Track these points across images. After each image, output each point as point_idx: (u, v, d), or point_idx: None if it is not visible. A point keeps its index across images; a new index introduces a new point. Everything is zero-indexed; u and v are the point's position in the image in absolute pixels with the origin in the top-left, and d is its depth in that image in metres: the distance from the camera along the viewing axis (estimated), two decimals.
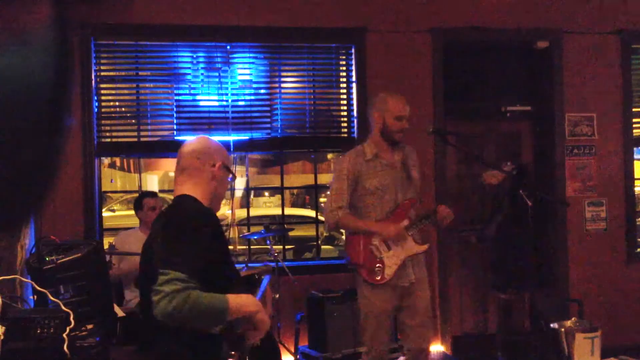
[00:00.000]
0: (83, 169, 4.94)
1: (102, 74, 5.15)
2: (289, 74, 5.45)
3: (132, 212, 5.06)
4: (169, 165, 10.90)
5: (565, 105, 5.58)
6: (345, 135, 5.46)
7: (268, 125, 5.31)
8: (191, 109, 5.24)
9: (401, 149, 3.82)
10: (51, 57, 0.86)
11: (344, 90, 5.45)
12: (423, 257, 3.83)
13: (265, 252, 6.02)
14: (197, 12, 5.09)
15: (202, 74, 5.23)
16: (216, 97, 5.24)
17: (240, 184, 6.79)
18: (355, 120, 5.34)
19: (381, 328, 3.69)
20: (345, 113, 5.45)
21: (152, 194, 5.00)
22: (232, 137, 5.18)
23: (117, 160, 12.11)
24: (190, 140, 2.53)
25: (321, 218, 6.54)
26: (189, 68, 5.24)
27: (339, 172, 3.76)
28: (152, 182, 12.27)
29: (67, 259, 3.05)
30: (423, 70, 5.37)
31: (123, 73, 5.25)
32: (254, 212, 8.97)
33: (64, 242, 3.27)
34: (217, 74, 5.21)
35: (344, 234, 4.14)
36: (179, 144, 4.85)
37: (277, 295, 4.54)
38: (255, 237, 5.34)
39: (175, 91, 5.22)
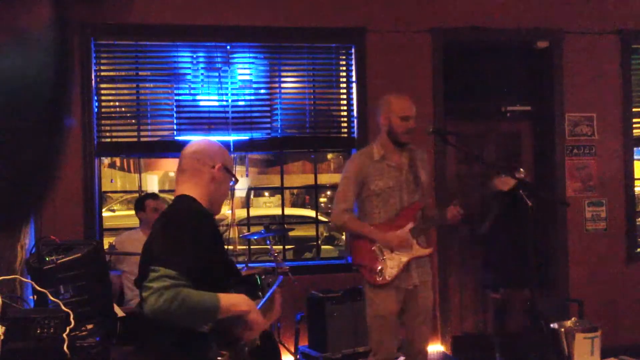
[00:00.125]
0: (83, 169, 4.94)
1: (102, 74, 5.15)
2: (289, 74, 5.45)
3: (132, 212, 5.06)
4: (169, 165, 10.91)
5: (565, 105, 5.58)
6: (345, 135, 5.46)
7: (268, 125, 5.31)
8: (191, 109, 5.24)
9: (409, 151, 3.78)
10: (51, 57, 0.86)
11: (344, 90, 5.45)
12: (428, 259, 3.81)
13: (265, 252, 6.01)
14: (197, 12, 5.09)
15: (202, 74, 5.23)
16: (216, 97, 5.24)
17: (240, 184, 6.79)
18: (355, 120, 5.34)
19: (388, 330, 3.66)
20: (345, 113, 5.45)
21: (155, 196, 5.00)
22: (232, 137, 5.19)
23: (117, 160, 12.12)
24: (192, 142, 2.55)
25: (321, 218, 6.54)
26: (189, 68, 5.24)
27: (346, 174, 3.76)
28: (152, 182, 12.27)
29: (67, 259, 3.05)
30: (423, 70, 5.37)
31: (123, 73, 5.25)
32: (254, 212, 8.98)
33: (64, 242, 3.27)
34: (217, 74, 5.22)
35: (344, 234, 4.14)
36: (179, 144, 4.89)
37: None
38: (255, 237, 5.34)
39: (175, 91, 5.23)
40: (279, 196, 8.67)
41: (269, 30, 5.20)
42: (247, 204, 7.61)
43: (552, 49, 5.58)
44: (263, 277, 4.51)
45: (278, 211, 7.83)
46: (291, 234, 6.10)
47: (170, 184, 12.65)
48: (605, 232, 5.61)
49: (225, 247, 3.68)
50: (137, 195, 5.37)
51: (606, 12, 5.64)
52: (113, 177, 12.20)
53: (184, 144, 2.62)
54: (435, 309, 5.06)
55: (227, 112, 5.22)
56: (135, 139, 5.17)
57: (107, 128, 5.18)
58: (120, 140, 5.20)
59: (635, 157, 5.82)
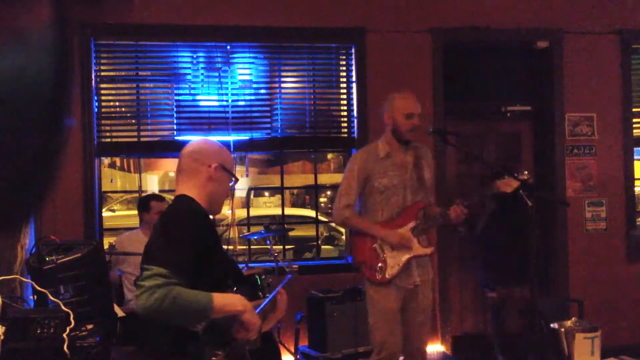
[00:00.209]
0: (83, 169, 4.94)
1: (102, 74, 5.15)
2: (289, 74, 5.45)
3: (132, 212, 5.06)
4: (169, 165, 10.91)
5: (565, 105, 5.58)
6: (345, 135, 5.46)
7: (268, 125, 5.31)
8: (191, 109, 5.24)
9: (414, 149, 3.78)
10: (51, 57, 0.86)
11: (344, 90, 5.45)
12: (429, 258, 3.81)
13: (266, 252, 6.02)
14: (197, 12, 5.09)
15: (202, 74, 5.23)
16: (216, 97, 5.24)
17: (240, 184, 6.79)
18: (355, 120, 5.34)
19: (390, 329, 3.64)
20: (345, 113, 5.45)
21: (160, 198, 4.99)
22: (232, 137, 5.19)
23: (117, 160, 12.13)
24: (191, 141, 2.56)
25: (321, 218, 6.54)
26: (189, 68, 5.24)
27: (350, 170, 3.76)
28: (152, 182, 12.27)
29: (67, 259, 3.05)
30: (423, 70, 5.37)
31: (123, 73, 5.25)
32: (254, 212, 8.99)
33: (64, 242, 3.27)
34: (217, 74, 5.22)
35: (344, 233, 4.15)
36: (179, 144, 4.89)
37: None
38: (255, 237, 5.34)
39: (175, 91, 5.23)
40: (279, 196, 8.67)
41: (269, 30, 5.20)
42: (247, 204, 7.62)
43: (552, 49, 5.58)
44: (263, 277, 4.51)
45: (278, 211, 7.84)
46: (291, 234, 6.09)
47: (170, 184, 12.65)
48: (605, 232, 5.61)
49: (225, 247, 3.68)
50: (137, 195, 5.37)
51: (606, 12, 5.64)
52: (113, 177, 12.21)
53: (184, 144, 2.62)
54: (435, 308, 5.06)
55: (227, 112, 5.22)
56: (135, 139, 5.17)
57: (107, 128, 5.18)
58: (120, 140, 5.20)
59: (635, 157, 5.82)
